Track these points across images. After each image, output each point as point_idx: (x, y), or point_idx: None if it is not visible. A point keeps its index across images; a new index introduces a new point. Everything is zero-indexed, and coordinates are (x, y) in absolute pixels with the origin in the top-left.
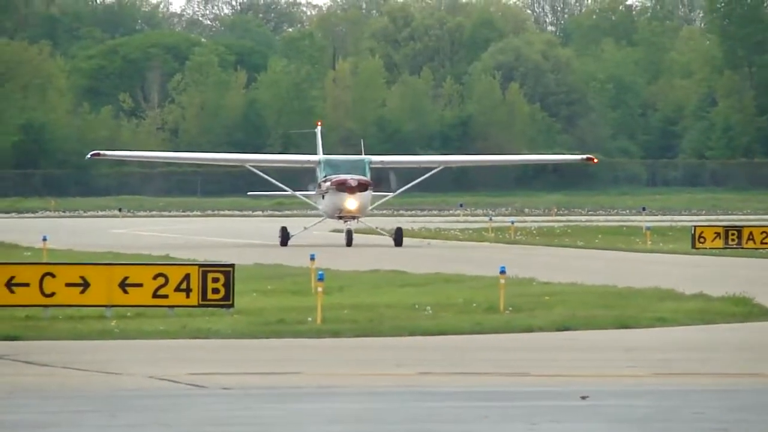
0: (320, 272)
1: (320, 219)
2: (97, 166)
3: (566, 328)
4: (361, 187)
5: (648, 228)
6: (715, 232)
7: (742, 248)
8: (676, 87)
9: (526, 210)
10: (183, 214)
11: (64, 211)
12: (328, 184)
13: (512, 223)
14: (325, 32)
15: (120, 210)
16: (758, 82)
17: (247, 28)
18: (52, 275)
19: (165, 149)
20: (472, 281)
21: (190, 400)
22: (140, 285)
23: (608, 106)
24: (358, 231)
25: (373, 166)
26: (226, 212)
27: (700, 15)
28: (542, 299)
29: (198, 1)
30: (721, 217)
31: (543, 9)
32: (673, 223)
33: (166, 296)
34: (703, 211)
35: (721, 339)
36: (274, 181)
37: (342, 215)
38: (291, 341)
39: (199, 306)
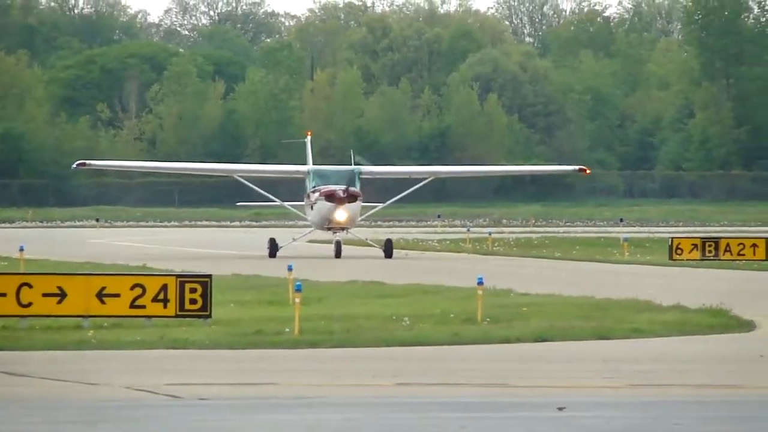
0: (298, 283)
1: (309, 230)
2: (75, 176)
3: (544, 339)
4: (351, 198)
5: (625, 239)
6: (693, 244)
7: (719, 260)
8: (654, 98)
9: (504, 221)
10: (160, 224)
11: (41, 221)
12: (317, 194)
13: (490, 234)
14: (303, 43)
15: (97, 220)
16: (736, 94)
17: (225, 39)
18: (29, 285)
19: (143, 159)
20: (449, 292)
21: (167, 410)
22: (117, 295)
23: (586, 117)
24: (347, 242)
25: (362, 176)
26: (204, 223)
27: (678, 27)
28: (520, 310)
29: (176, 12)
30: (698, 229)
31: (521, 20)
32: (651, 235)
33: (143, 306)
34: (681, 223)
35: (699, 350)
36: (262, 191)
37: (331, 226)
38: (268, 352)
39: (177, 316)
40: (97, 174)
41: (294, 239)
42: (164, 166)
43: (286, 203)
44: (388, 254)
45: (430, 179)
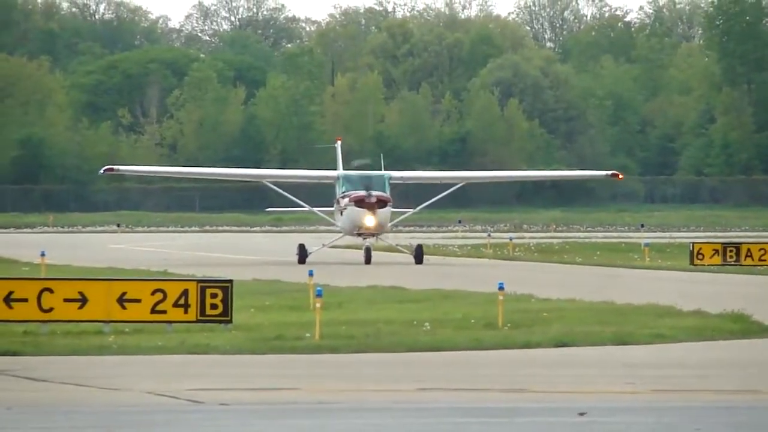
0: (318, 288)
1: (338, 236)
2: (96, 182)
3: (564, 344)
4: (381, 203)
5: (646, 244)
6: (714, 249)
7: (741, 265)
8: (675, 104)
9: (525, 226)
10: (181, 229)
11: (62, 227)
12: (347, 200)
13: (511, 239)
14: (324, 48)
15: (118, 225)
16: (757, 98)
17: (246, 44)
18: (51, 290)
19: (164, 164)
20: (470, 297)
21: (188, 416)
22: (138, 300)
23: (607, 122)
24: (377, 249)
25: (392, 182)
26: (225, 228)
27: (699, 32)
28: (540, 315)
29: (197, 17)
30: (719, 234)
31: (542, 25)
32: (672, 240)
33: (164, 312)
34: (702, 228)
35: (719, 356)
36: (291, 197)
37: (361, 232)
38: (289, 357)
39: (197, 321)
40: (118, 179)
41: (324, 245)
42: (192, 171)
43: (315, 209)
44: (419, 260)
45: (461, 185)
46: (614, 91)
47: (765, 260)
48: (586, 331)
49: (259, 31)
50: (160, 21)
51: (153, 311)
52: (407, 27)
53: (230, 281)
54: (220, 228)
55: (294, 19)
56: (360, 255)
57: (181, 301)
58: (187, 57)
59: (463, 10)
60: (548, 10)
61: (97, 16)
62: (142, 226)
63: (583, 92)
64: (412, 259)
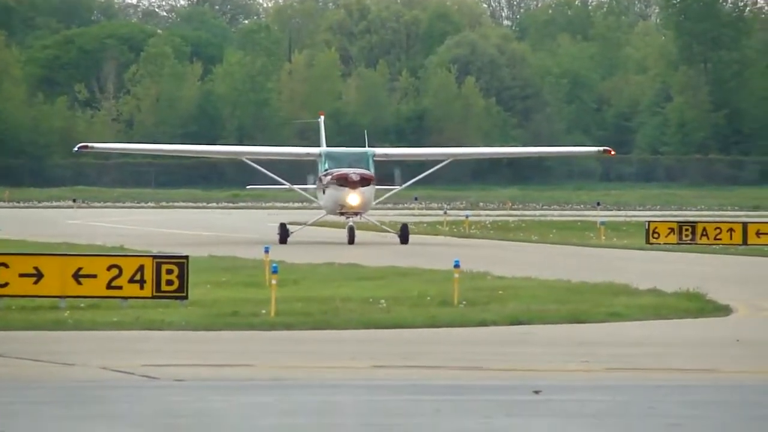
0: (274, 265)
1: (320, 215)
2: (52, 156)
3: (520, 323)
4: (364, 181)
5: (602, 223)
6: (669, 228)
7: (696, 244)
8: (631, 82)
9: (481, 204)
10: (137, 205)
11: (18, 202)
12: (329, 178)
13: (467, 216)
14: (281, 24)
15: (74, 201)
16: (713, 78)
17: (203, 20)
18: (6, 265)
19: (120, 140)
20: (426, 275)
21: (144, 391)
22: (94, 276)
23: (563, 100)
24: (361, 228)
25: (376, 159)
26: (181, 204)
27: (656, 11)
28: (496, 293)
29: None
30: (675, 213)
31: (499, 3)
32: (627, 219)
33: (120, 287)
34: (658, 207)
35: (675, 334)
36: (271, 174)
37: (343, 211)
38: (244, 333)
39: (153, 297)
40: (74, 155)
41: (306, 224)
42: (168, 148)
43: (295, 186)
44: (404, 240)
45: (448, 161)
46: (571, 69)
47: (720, 239)
48: (542, 309)
49: (216, 7)
50: None
51: (109, 287)
52: (364, 4)
53: (186, 257)
54: (176, 204)
55: None
56: (343, 234)
57: (137, 277)
58: (143, 32)
59: None
60: None
61: None
62: (99, 202)
63: (539, 70)
64: (397, 239)
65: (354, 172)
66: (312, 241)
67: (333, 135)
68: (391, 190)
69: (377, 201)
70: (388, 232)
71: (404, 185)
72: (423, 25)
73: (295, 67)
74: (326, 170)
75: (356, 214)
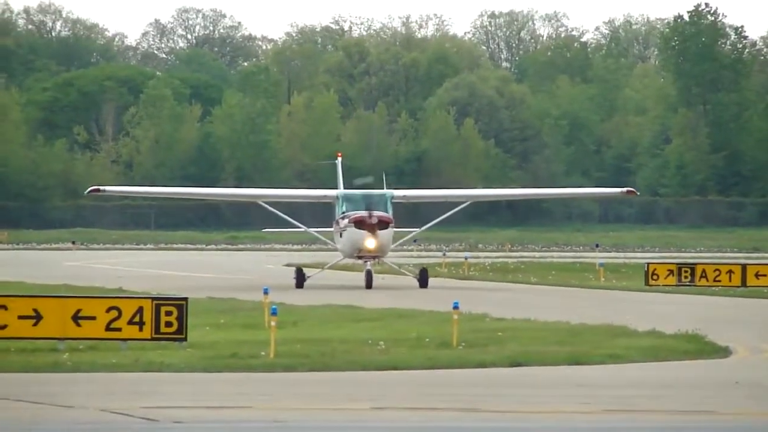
0: (273, 306)
1: (338, 259)
2: (51, 199)
3: (519, 364)
4: (382, 224)
5: (601, 264)
6: (668, 269)
7: (695, 285)
8: (631, 124)
9: (480, 245)
10: (136, 247)
11: (17, 244)
12: (347, 221)
13: (466, 258)
14: (280, 66)
15: (73, 242)
16: (712, 119)
17: (203, 62)
18: (5, 307)
19: (120, 182)
20: (425, 316)
21: None
22: (93, 318)
23: (562, 142)
24: (380, 272)
25: (395, 201)
26: (180, 245)
27: (655, 53)
28: (495, 335)
29: (153, 35)
30: (674, 255)
31: (498, 45)
32: (627, 260)
33: (119, 329)
34: (657, 249)
35: (674, 376)
36: (287, 218)
37: (361, 255)
38: (244, 375)
39: (152, 339)
40: (73, 197)
41: (323, 268)
42: (183, 191)
43: (311, 229)
44: (424, 284)
45: (467, 203)
46: (570, 111)
47: (719, 281)
48: (541, 350)
49: (216, 49)
50: (117, 38)
51: (108, 329)
52: (364, 46)
53: (185, 299)
54: (174, 246)
55: (250, 38)
56: (361, 278)
57: (136, 319)
58: (143, 75)
59: (419, 30)
60: (504, 30)
61: (53, 33)
62: (98, 244)
63: (538, 112)
64: (416, 283)
65: (372, 215)
66: (330, 286)
67: (331, 178)
68: (410, 232)
69: (396, 244)
70: (407, 275)
71: (423, 228)
72: (422, 67)
73: (294, 109)
74: (344, 213)
75: (374, 257)
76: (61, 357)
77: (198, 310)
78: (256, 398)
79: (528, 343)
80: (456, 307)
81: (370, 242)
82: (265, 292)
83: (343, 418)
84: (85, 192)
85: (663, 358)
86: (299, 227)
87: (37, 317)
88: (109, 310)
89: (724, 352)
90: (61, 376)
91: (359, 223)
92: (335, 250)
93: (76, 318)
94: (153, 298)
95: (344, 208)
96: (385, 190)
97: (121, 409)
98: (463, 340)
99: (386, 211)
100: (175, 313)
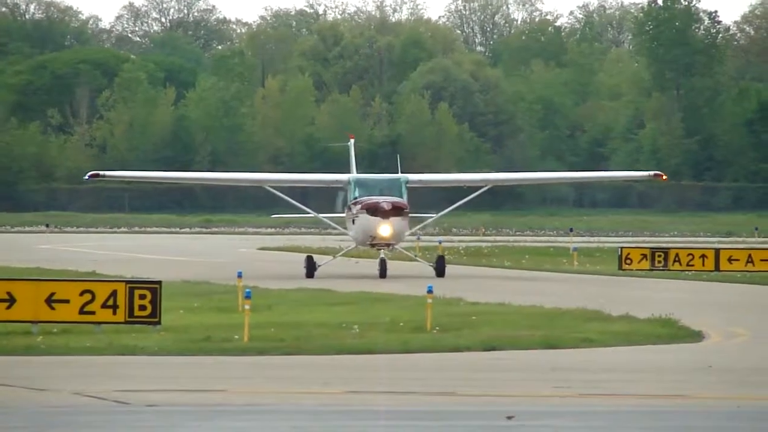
0: (247, 290)
1: (349, 247)
2: (24, 182)
3: (493, 348)
4: (396, 210)
5: (575, 249)
6: (642, 254)
7: (669, 270)
8: (605, 108)
9: (454, 230)
10: (110, 230)
11: None
12: (359, 207)
13: (440, 242)
14: (254, 50)
15: (47, 225)
16: (686, 104)
17: (177, 46)
18: None
19: (93, 165)
20: (399, 300)
21: (116, 417)
22: (67, 301)
23: (536, 127)
24: (393, 259)
25: (410, 185)
26: (154, 229)
27: (629, 37)
28: (469, 319)
29: (127, 18)
30: (647, 239)
31: (472, 29)
32: (600, 245)
33: (93, 313)
34: (630, 233)
35: (647, 360)
36: (295, 202)
37: (375, 242)
38: (217, 359)
39: (126, 323)
40: (47, 179)
41: (333, 257)
42: (185, 176)
43: (321, 215)
44: (440, 273)
45: (487, 187)
46: (544, 95)
47: (693, 265)
48: (515, 334)
49: (190, 33)
50: (91, 21)
51: (81, 312)
52: (338, 30)
53: (159, 282)
54: (149, 229)
55: (225, 21)
56: (374, 267)
57: (110, 302)
58: (117, 58)
59: (393, 14)
60: (479, 14)
61: (27, 16)
62: (72, 227)
63: (513, 96)
64: (432, 271)
65: (386, 201)
66: (342, 275)
67: (306, 161)
68: (426, 218)
69: (411, 231)
70: (423, 263)
71: (440, 213)
72: (396, 51)
73: (268, 93)
74: (356, 198)
75: (388, 245)
76: (35, 340)
77: (172, 293)
78: (230, 382)
79: (502, 327)
80: (430, 291)
81: (384, 229)
82: (239, 276)
83: (317, 402)
84: (84, 177)
85: (636, 342)
86: (309, 212)
87: (11, 300)
88: (82, 293)
89: (697, 336)
90: (35, 359)
91: (372, 210)
92: (344, 235)
93: (50, 301)
94: (127, 282)
95: (357, 194)
96: (399, 175)
97: (94, 392)
98: (438, 324)
99: (400, 197)
100: (149, 296)
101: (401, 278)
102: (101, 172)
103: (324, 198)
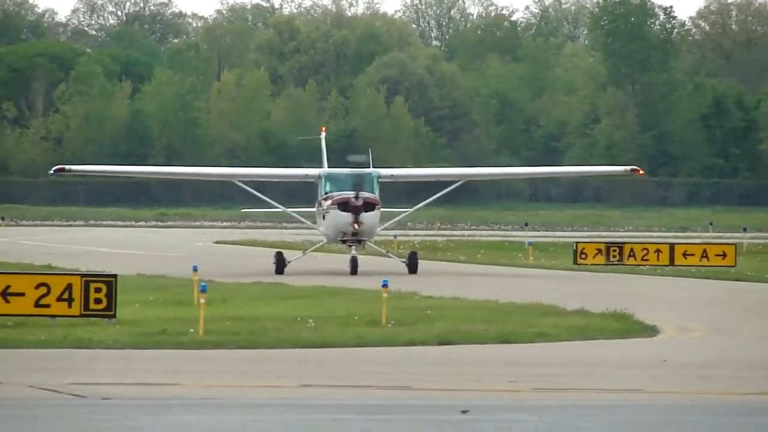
0: (203, 284)
1: (320, 242)
2: None
3: (448, 342)
4: (368, 206)
5: (530, 243)
6: (597, 249)
7: (623, 264)
8: (560, 103)
9: (409, 224)
10: (65, 223)
11: None
12: (329, 202)
13: (395, 236)
14: (210, 44)
15: (2, 218)
16: (641, 99)
17: (133, 39)
18: None
19: (49, 159)
20: (354, 294)
21: (71, 410)
22: (22, 294)
23: (492, 121)
24: (365, 254)
25: (382, 180)
26: (109, 222)
27: (584, 32)
28: (424, 313)
29: (84, 11)
30: (602, 234)
31: (428, 24)
32: (555, 239)
33: (48, 306)
34: (585, 228)
35: (602, 355)
36: (265, 198)
37: (345, 239)
38: (173, 352)
39: (82, 316)
40: (2, 173)
41: (304, 253)
42: (153, 170)
43: (291, 210)
44: (413, 269)
45: (460, 182)
46: (500, 90)
47: (647, 260)
48: (470, 329)
49: (146, 26)
50: (47, 15)
51: (37, 305)
52: (294, 24)
53: (114, 276)
54: (104, 223)
55: (181, 15)
56: (345, 264)
57: (65, 296)
58: (73, 51)
59: (349, 8)
60: (434, 8)
61: None
62: (27, 220)
63: (468, 91)
64: (404, 268)
65: (357, 196)
66: (312, 271)
67: (261, 155)
68: (399, 214)
69: (383, 226)
70: (394, 259)
71: (414, 208)
72: (352, 45)
73: (224, 87)
74: (327, 193)
75: (359, 241)
76: None
77: (127, 286)
78: (185, 375)
79: (457, 321)
80: (385, 285)
81: (354, 225)
82: (195, 270)
83: (271, 396)
84: (50, 171)
85: (591, 336)
86: (278, 207)
87: None
88: (38, 286)
89: (651, 330)
90: None
91: (343, 205)
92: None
93: (5, 294)
94: (82, 275)
95: (327, 189)
96: (371, 169)
97: (49, 385)
98: (392, 318)
99: (372, 192)
100: (105, 289)
101: (373, 275)
102: (67, 167)
103: (282, 192)
